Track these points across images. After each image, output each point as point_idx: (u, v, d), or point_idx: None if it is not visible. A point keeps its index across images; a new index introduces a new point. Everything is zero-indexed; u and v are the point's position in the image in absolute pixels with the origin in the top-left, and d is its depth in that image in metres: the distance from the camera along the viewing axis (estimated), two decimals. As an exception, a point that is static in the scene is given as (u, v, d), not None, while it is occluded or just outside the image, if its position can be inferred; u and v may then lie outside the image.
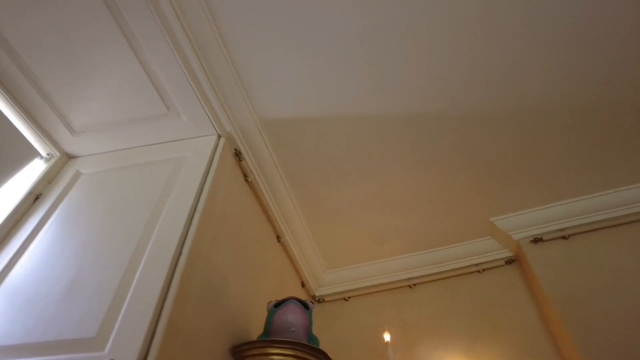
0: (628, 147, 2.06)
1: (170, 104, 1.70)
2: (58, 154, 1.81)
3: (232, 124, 1.76)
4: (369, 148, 2.01)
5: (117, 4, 1.39)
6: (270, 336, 1.40)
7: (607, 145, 2.05)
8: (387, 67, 1.71)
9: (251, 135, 1.85)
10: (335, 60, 1.68)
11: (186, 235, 1.31)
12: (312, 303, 1.53)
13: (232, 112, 1.76)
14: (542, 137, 2.01)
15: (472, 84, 1.78)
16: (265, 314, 1.49)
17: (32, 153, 1.76)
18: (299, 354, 1.32)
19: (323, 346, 1.47)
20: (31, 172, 1.70)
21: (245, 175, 1.87)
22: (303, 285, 2.46)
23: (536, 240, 2.21)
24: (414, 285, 2.42)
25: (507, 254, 2.36)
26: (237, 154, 1.80)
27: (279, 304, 1.48)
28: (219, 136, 1.75)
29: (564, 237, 2.18)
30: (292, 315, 1.43)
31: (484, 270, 2.35)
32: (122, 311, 1.10)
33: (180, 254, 1.25)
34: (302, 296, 2.39)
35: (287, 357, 1.31)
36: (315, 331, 2.30)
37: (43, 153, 1.80)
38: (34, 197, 1.62)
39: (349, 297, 2.50)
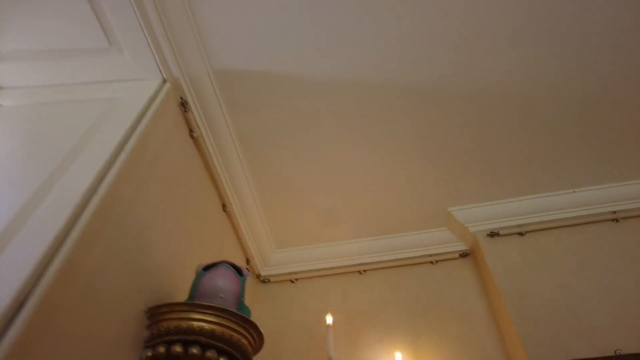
0: (589, 148, 2.03)
1: (112, 38, 1.50)
2: (-26, 80, 1.57)
3: (181, 69, 1.58)
4: (330, 121, 1.88)
5: None
6: (194, 301, 1.24)
7: (569, 145, 2.02)
8: (352, 32, 1.59)
9: (202, 85, 1.67)
10: (302, 16, 1.54)
11: (105, 174, 1.12)
12: (247, 270, 1.38)
13: (182, 56, 1.58)
14: (505, 130, 1.95)
15: (439, 60, 1.68)
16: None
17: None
18: (224, 322, 1.17)
19: (265, 327, 1.34)
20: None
21: (190, 130, 1.69)
22: (248, 262, 2.29)
23: (493, 234, 2.15)
24: (364, 271, 2.31)
25: (462, 247, 2.30)
26: (183, 104, 1.62)
27: (208, 267, 1.31)
28: (164, 81, 1.56)
29: (520, 234, 2.13)
30: (222, 280, 1.27)
31: (437, 261, 2.28)
32: (9, 246, 0.91)
33: (94, 192, 1.07)
34: (246, 274, 2.23)
35: (210, 325, 1.15)
36: (257, 312, 2.16)
37: (-44, 78, 1.55)
38: None
39: (296, 279, 2.36)
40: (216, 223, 1.91)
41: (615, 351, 1.64)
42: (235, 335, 1.18)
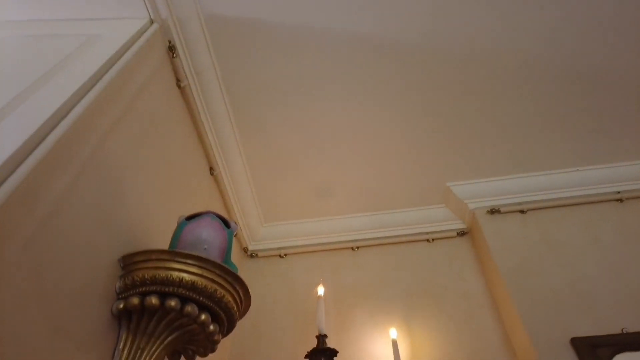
0: (594, 124, 1.95)
1: (96, -29, 1.37)
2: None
3: (170, 10, 1.45)
4: (330, 84, 1.77)
5: None
6: (175, 252, 1.10)
7: (574, 120, 1.94)
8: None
9: (192, 30, 1.54)
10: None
11: (79, 100, 0.99)
12: (236, 224, 1.25)
13: (172, -5, 1.44)
14: (509, 103, 1.86)
15: (451, 22, 1.58)
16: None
17: None
18: (207, 274, 1.04)
19: (252, 304, 1.22)
20: None
21: (178, 80, 1.56)
22: (235, 234, 2.16)
23: (493, 211, 2.06)
24: (357, 248, 2.20)
25: (460, 225, 2.20)
26: (171, 49, 1.48)
27: (192, 217, 1.19)
28: (152, 21, 1.43)
29: (521, 211, 2.04)
30: (206, 231, 1.14)
31: (433, 240, 2.18)
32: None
33: (64, 117, 0.93)
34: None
35: (191, 276, 1.02)
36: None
37: None
38: None
39: (285, 255, 2.24)
40: (202, 185, 1.78)
41: (622, 329, 1.55)
42: (220, 290, 1.06)
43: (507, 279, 1.78)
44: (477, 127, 1.96)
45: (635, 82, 1.80)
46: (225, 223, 1.20)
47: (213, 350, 1.16)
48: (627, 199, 2.00)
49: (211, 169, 1.85)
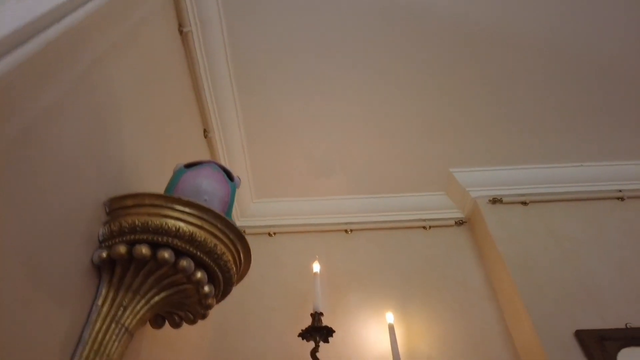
0: (602, 120, 1.91)
1: None
2: None
3: (177, -56, 1.31)
4: (343, 46, 1.65)
5: None
6: (170, 201, 0.96)
7: (582, 115, 1.89)
8: None
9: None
10: None
11: (75, 9, 0.84)
12: (239, 178, 1.12)
13: None
14: (517, 91, 1.80)
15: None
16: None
17: None
18: (207, 226, 0.90)
19: None
20: None
21: (180, 25, 1.41)
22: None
23: (495, 200, 1.99)
24: (351, 231, 2.09)
25: (458, 214, 2.13)
26: (175, -13, 1.34)
27: (191, 165, 1.05)
28: (156, -45, 1.28)
29: (523, 203, 1.98)
30: (207, 181, 1.01)
31: (430, 227, 2.09)
32: None
33: (58, 20, 0.78)
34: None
35: (189, 227, 0.88)
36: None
37: None
38: None
39: (274, 233, 2.11)
40: (195, 147, 1.63)
41: (626, 324, 1.50)
42: (220, 246, 0.93)
43: (511, 269, 1.71)
44: (485, 114, 1.89)
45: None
46: (229, 175, 1.06)
47: (204, 316, 1.03)
48: (628, 197, 1.97)
49: (205, 130, 1.71)
